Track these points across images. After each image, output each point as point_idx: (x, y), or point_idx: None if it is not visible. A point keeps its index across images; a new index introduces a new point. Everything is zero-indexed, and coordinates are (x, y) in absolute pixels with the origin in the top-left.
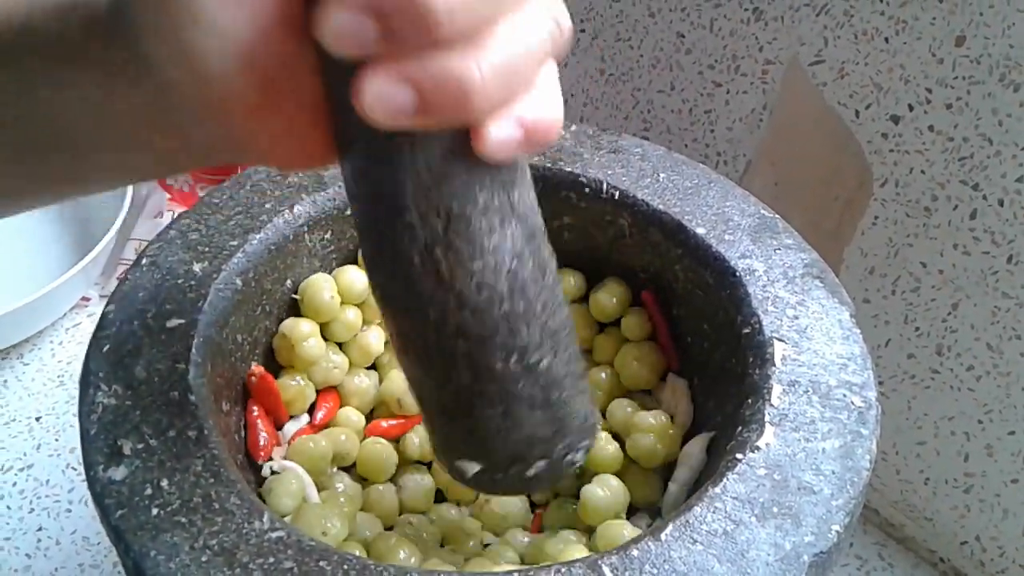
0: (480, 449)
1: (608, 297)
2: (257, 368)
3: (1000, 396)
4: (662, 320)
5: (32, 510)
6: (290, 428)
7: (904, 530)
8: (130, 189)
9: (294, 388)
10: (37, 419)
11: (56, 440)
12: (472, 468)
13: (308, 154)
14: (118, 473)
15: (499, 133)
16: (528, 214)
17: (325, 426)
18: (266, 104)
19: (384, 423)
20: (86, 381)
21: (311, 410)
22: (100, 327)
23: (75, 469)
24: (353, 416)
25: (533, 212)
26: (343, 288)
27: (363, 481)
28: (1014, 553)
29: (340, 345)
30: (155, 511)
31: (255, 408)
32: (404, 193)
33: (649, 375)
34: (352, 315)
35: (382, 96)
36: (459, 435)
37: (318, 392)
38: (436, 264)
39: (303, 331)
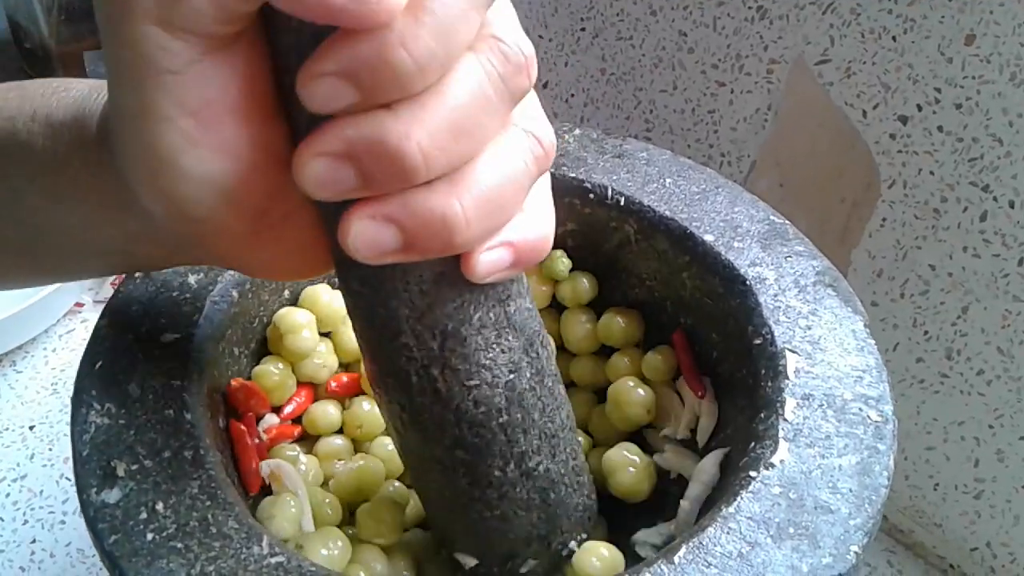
0: (477, 546)
1: (615, 320)
2: (236, 381)
3: (1011, 400)
4: (690, 362)
5: (26, 522)
6: (268, 420)
7: (913, 536)
8: None
9: (276, 377)
10: (30, 428)
11: (50, 450)
12: (469, 562)
13: (311, 266)
14: (112, 496)
15: (488, 259)
16: (526, 323)
17: (297, 418)
18: (258, 233)
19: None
20: (78, 400)
21: None
22: (93, 342)
23: (69, 480)
24: (330, 408)
25: (531, 319)
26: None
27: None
28: None
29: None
30: (150, 536)
31: (245, 433)
32: (398, 317)
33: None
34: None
35: (366, 237)
36: (458, 531)
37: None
38: (433, 382)
39: (297, 322)
